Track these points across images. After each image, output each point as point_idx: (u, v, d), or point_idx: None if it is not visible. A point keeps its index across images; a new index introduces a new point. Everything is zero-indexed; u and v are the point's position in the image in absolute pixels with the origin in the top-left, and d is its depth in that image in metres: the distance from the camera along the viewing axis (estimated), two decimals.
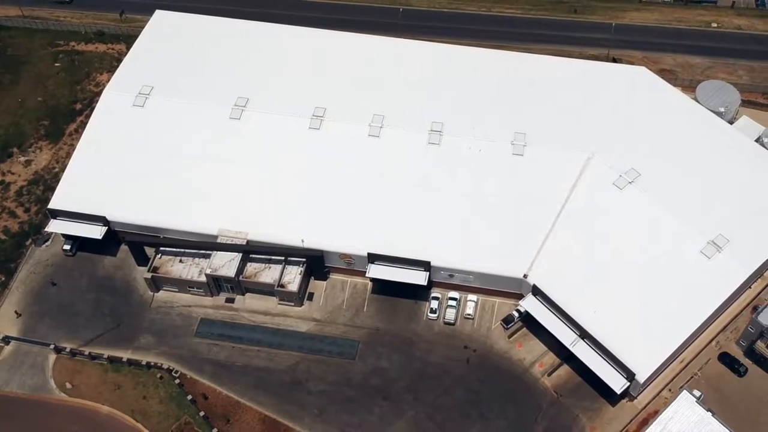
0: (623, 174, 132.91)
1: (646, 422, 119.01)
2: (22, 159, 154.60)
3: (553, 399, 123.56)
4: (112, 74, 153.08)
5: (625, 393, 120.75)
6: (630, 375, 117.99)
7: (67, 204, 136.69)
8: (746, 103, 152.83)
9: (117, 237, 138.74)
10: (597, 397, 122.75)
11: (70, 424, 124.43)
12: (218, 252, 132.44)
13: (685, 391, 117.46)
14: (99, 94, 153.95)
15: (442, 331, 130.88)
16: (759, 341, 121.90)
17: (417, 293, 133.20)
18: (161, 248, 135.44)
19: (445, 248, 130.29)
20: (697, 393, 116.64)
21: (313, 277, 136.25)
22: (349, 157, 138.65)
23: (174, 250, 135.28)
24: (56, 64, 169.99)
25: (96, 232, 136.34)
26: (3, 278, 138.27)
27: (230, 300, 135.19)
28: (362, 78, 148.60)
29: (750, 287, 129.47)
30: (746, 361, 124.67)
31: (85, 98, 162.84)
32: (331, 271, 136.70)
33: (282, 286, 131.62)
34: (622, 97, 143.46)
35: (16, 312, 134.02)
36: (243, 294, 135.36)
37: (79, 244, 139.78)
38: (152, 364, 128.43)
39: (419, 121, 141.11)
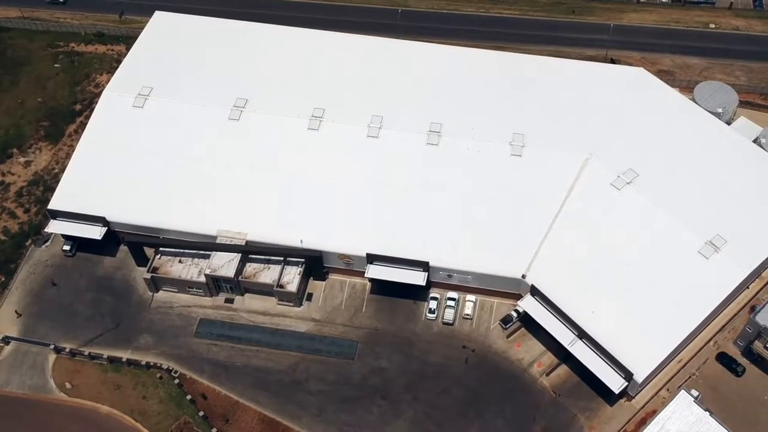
0: (621, 175, 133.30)
1: (644, 422, 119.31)
2: (22, 160, 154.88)
3: (551, 399, 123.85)
4: (112, 75, 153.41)
5: (623, 393, 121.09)
6: (628, 375, 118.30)
7: (67, 204, 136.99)
8: (744, 103, 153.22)
9: (116, 237, 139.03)
10: (595, 397, 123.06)
11: (70, 424, 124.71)
12: (217, 252, 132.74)
13: (683, 390, 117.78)
14: (99, 95, 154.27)
15: (441, 331, 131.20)
16: (756, 341, 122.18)
17: (416, 293, 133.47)
18: (161, 249, 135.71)
19: (443, 249, 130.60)
20: (694, 393, 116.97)
21: (312, 278, 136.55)
22: (348, 157, 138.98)
23: (173, 250, 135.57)
24: (56, 65, 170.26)
25: (95, 232, 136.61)
26: (3, 278, 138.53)
27: (229, 300, 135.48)
28: (361, 79, 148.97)
29: (748, 287, 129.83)
30: (744, 361, 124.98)
31: (85, 99, 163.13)
32: (330, 272, 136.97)
33: (281, 286, 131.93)
34: (620, 97, 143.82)
35: (16, 312, 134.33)
36: (242, 294, 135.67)
37: (79, 244, 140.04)
38: (152, 364, 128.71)
39: (418, 122, 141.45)
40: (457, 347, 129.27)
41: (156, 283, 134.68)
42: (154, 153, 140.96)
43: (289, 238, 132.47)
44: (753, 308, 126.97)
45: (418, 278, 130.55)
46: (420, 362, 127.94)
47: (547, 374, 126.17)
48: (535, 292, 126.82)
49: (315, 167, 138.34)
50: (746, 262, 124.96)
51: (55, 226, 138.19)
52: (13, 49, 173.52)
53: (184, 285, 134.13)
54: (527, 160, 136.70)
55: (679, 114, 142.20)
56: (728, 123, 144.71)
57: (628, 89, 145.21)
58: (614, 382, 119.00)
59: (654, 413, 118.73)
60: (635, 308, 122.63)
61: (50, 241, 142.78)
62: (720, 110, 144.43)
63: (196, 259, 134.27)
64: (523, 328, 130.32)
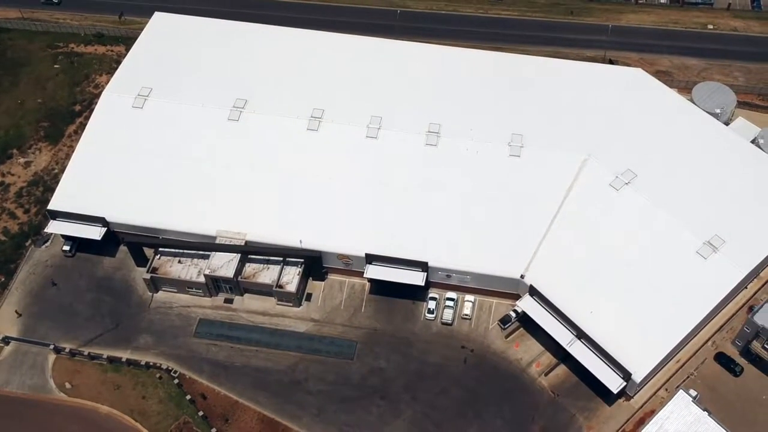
0: (619, 175, 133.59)
1: (642, 422, 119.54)
2: (22, 160, 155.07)
3: (550, 398, 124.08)
4: (112, 76, 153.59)
5: (622, 392, 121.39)
6: (626, 375, 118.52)
7: (67, 205, 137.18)
8: (742, 104, 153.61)
9: (116, 238, 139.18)
10: (594, 397, 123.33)
11: (70, 423, 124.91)
12: (217, 253, 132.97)
13: (681, 390, 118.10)
14: (98, 95, 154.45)
15: (440, 332, 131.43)
16: (754, 341, 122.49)
17: (415, 294, 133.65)
18: (160, 249, 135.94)
19: (442, 249, 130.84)
20: (693, 393, 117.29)
21: (311, 278, 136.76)
22: (347, 158, 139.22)
23: (173, 250, 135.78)
24: (56, 66, 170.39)
25: (95, 232, 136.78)
26: (3, 279, 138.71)
27: (229, 300, 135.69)
28: (360, 79, 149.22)
29: (746, 287, 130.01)
30: (742, 361, 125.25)
31: (85, 100, 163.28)
32: (329, 272, 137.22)
33: (280, 286, 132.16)
34: (618, 98, 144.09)
35: (16, 311, 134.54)
36: (241, 294, 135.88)
37: (79, 244, 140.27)
38: (151, 364, 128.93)
39: (417, 122, 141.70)
40: (455, 347, 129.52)
41: (155, 283, 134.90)
42: (154, 153, 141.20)
43: (289, 238, 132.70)
44: (751, 308, 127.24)
45: (416, 278, 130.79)
46: (419, 362, 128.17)
47: (546, 374, 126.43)
48: (533, 292, 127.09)
49: (314, 168, 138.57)
50: (744, 262, 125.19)
51: (54, 227, 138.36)
52: (13, 49, 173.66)
53: (183, 285, 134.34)
54: (526, 161, 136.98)
55: (677, 115, 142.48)
56: (726, 124, 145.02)
57: (626, 90, 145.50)
58: (613, 382, 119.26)
59: (652, 413, 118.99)
60: (634, 308, 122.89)
61: (50, 241, 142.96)
62: (718, 111, 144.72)
63: (195, 260, 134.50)
64: (521, 329, 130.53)
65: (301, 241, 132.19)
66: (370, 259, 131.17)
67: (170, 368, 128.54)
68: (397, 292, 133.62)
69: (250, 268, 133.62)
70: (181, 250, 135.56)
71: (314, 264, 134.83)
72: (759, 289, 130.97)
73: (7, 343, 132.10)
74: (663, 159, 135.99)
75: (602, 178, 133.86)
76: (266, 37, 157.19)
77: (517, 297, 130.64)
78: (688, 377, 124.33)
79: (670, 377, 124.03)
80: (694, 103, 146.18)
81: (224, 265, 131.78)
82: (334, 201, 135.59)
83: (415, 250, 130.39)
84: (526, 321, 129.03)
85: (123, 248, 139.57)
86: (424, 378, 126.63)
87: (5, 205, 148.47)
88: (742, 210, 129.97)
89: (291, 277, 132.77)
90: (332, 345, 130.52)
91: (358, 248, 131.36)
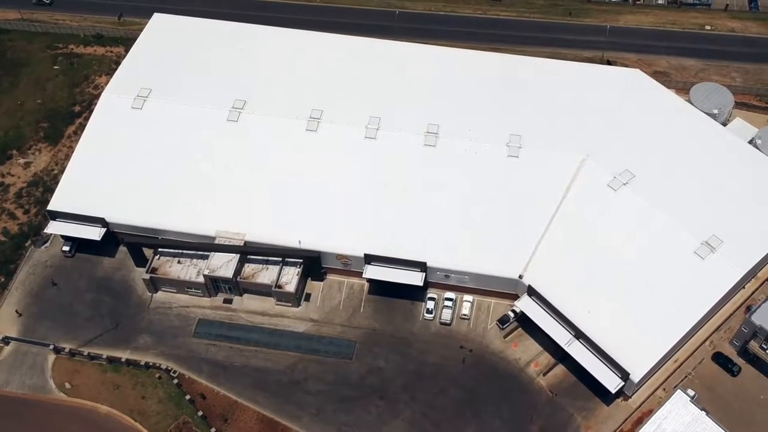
0: (617, 175, 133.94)
1: (640, 421, 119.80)
2: (22, 161, 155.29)
3: (548, 398, 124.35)
4: (111, 77, 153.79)
5: (620, 392, 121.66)
6: (624, 374, 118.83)
7: (66, 205, 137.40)
8: (739, 105, 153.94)
9: (116, 238, 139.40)
10: (592, 397, 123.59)
11: (70, 423, 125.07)
12: (216, 253, 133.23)
13: (679, 390, 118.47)
14: (98, 96, 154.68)
15: (439, 332, 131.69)
16: (752, 341, 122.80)
17: (413, 294, 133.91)
18: (159, 249, 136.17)
19: (441, 249, 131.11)
20: (691, 392, 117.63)
21: (310, 278, 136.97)
22: (346, 158, 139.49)
23: (172, 251, 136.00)
24: (55, 67, 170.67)
25: (95, 233, 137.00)
26: (3, 279, 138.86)
27: (228, 301, 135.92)
28: (359, 80, 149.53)
29: (743, 287, 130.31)
30: (740, 361, 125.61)
31: (84, 100, 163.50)
32: (328, 272, 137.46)
33: (279, 286, 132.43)
34: (616, 99, 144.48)
35: (16, 311, 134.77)
36: (241, 295, 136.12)
37: (78, 245, 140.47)
38: (151, 364, 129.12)
39: (415, 123, 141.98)
40: (454, 347, 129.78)
41: (155, 283, 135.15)
42: (153, 154, 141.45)
43: (288, 238, 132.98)
44: (749, 308, 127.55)
45: (415, 278, 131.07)
46: (417, 362, 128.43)
47: (544, 374, 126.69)
48: (532, 292, 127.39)
49: (313, 168, 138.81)
50: (742, 262, 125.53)
51: (54, 227, 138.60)
52: (13, 50, 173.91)
53: (182, 285, 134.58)
54: (524, 161, 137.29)
55: (675, 115, 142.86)
56: (724, 124, 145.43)
57: (624, 91, 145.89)
58: (611, 382, 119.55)
59: (650, 413, 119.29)
60: (632, 308, 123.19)
61: (50, 241, 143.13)
62: (716, 111, 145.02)
63: (194, 260, 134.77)
64: (520, 328, 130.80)
65: (300, 242, 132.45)
66: (369, 259, 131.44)
67: (170, 368, 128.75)
68: (396, 293, 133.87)
69: (249, 268, 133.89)
70: (180, 251, 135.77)
71: (313, 264, 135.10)
72: (757, 289, 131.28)
73: (7, 343, 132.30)
74: (661, 159, 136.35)
75: (600, 179, 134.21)
76: (265, 38, 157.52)
77: (515, 297, 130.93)
78: (686, 377, 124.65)
79: (668, 377, 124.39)
80: (691, 103, 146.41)
81: (223, 265, 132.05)
82: (333, 201, 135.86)
83: (413, 250, 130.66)
84: (524, 321, 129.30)
85: (122, 248, 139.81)
86: (422, 378, 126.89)
87: (5, 205, 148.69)
88: (739, 210, 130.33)
89: (290, 278, 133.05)
90: (331, 345, 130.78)
91: (356, 248, 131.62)
